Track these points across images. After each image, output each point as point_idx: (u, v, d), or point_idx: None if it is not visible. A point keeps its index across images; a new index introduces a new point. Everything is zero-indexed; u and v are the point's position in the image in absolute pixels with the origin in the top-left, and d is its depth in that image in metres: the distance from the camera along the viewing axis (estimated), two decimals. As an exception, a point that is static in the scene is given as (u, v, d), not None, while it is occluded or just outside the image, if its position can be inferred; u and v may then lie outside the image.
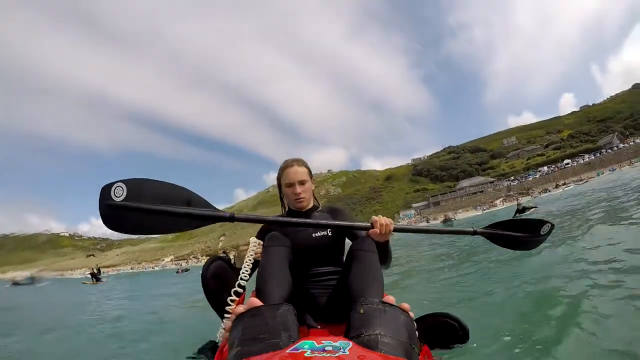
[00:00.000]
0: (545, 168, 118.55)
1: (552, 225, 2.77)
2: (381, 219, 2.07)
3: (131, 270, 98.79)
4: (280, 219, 2.28)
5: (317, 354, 1.13)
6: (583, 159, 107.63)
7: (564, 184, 77.21)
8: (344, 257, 2.27)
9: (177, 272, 33.37)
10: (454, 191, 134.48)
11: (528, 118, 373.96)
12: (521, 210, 18.83)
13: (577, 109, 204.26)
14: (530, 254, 4.91)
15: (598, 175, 75.17)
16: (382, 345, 1.27)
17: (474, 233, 2.54)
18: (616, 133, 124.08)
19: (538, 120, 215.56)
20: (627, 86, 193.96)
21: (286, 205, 2.67)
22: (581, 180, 77.48)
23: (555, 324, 2.54)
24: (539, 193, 79.24)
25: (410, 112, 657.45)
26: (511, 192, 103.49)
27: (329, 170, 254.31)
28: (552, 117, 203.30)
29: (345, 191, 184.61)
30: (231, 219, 2.02)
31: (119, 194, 1.88)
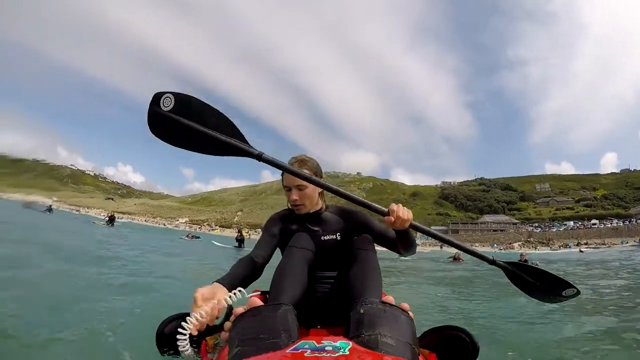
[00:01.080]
0: (572, 223, 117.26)
1: (578, 292, 2.35)
2: (399, 210, 1.85)
3: (145, 223, 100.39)
4: (308, 176, 2.02)
5: (317, 354, 1.12)
6: (611, 223, 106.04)
7: (585, 244, 76.95)
8: None
9: (187, 236, 32.06)
10: (475, 223, 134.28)
11: (565, 168, 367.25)
12: (524, 262, 19.35)
13: (617, 171, 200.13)
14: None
15: (622, 243, 73.50)
16: (382, 346, 1.26)
17: (492, 262, 2.28)
18: None
19: (575, 173, 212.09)
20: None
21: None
22: (604, 244, 77.24)
23: (561, 346, 2.92)
24: (559, 247, 78.90)
25: (449, 134, 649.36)
26: (531, 239, 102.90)
27: (358, 173, 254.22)
28: (591, 173, 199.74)
29: (370, 197, 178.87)
30: (258, 157, 1.97)
31: (167, 104, 1.95)
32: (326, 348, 1.17)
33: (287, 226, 2.29)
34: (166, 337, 1.72)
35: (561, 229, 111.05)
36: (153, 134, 2.01)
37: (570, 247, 72.59)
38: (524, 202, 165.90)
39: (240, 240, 23.81)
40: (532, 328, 3.75)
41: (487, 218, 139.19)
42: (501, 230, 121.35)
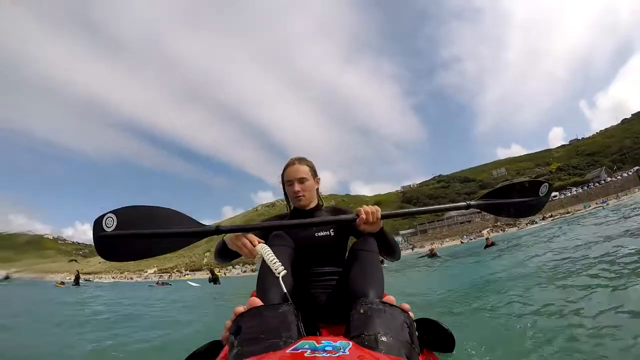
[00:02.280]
0: None
1: (550, 185, 2.49)
2: (366, 207, 2.04)
3: (112, 279, 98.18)
4: (266, 224, 2.20)
5: (317, 354, 1.11)
6: (571, 192, 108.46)
7: (550, 216, 77.01)
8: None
9: (157, 283, 32.03)
10: (441, 219, 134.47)
11: (517, 150, 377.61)
12: (490, 245, 18.55)
13: (565, 142, 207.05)
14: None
15: (585, 207, 75.48)
16: (382, 345, 1.26)
17: (468, 207, 2.34)
18: (604, 167, 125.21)
19: (527, 152, 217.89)
20: (615, 122, 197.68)
21: (291, 204, 2.58)
22: (568, 212, 77.92)
23: (542, 336, 2.84)
24: (526, 224, 79.11)
25: (400, 139, 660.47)
26: (498, 223, 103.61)
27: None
28: (542, 150, 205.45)
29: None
30: (217, 231, 2.01)
31: (110, 224, 1.95)
32: (326, 348, 1.17)
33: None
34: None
35: None
36: (106, 259, 2.06)
37: (536, 223, 73.05)
38: (484, 189, 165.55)
39: (214, 280, 23.96)
40: (501, 316, 3.83)
41: (452, 212, 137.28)
42: (468, 222, 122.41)
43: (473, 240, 73.03)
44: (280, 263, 1.68)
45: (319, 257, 2.28)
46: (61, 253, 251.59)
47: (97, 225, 1.95)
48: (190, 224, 2.02)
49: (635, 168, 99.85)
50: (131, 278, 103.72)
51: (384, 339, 1.29)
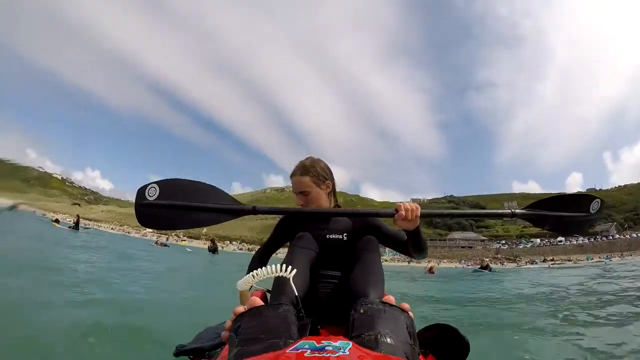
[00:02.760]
0: (538, 240, 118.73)
1: (602, 201, 2.28)
2: (406, 204, 1.98)
3: (111, 231, 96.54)
4: (301, 209, 2.27)
5: (317, 354, 1.10)
6: (577, 240, 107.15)
7: (552, 260, 76.72)
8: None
9: (156, 243, 32.02)
10: (444, 239, 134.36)
11: (532, 187, 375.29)
12: (485, 267, 18.87)
13: (582, 189, 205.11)
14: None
15: (587, 259, 74.97)
16: (382, 345, 1.25)
17: (513, 215, 2.20)
18: (615, 223, 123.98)
19: (542, 192, 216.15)
20: (635, 180, 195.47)
21: None
22: (570, 260, 77.48)
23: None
24: (526, 263, 79.06)
25: (418, 152, 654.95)
26: (499, 255, 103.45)
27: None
28: (558, 192, 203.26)
29: None
30: (254, 211, 2.07)
31: (152, 193, 2.04)
32: (326, 348, 1.16)
33: (294, 225, 2.36)
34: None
35: (528, 246, 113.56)
36: (145, 226, 2.14)
37: (536, 263, 73.16)
38: (492, 219, 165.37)
39: (213, 249, 24.41)
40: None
41: (456, 235, 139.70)
42: (469, 247, 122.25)
43: (471, 266, 72.99)
44: (285, 265, 1.60)
45: (327, 259, 2.22)
46: (66, 195, 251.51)
47: (140, 194, 2.07)
48: (229, 201, 2.13)
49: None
50: (128, 232, 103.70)
51: (384, 339, 1.28)
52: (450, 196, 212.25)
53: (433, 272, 21.49)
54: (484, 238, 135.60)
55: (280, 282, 1.68)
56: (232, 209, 2.07)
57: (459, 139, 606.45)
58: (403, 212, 1.93)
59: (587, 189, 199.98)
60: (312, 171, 2.39)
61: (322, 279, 2.17)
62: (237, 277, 1.64)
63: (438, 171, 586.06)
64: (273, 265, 1.54)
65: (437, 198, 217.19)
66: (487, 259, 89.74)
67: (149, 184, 2.06)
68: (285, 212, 2.25)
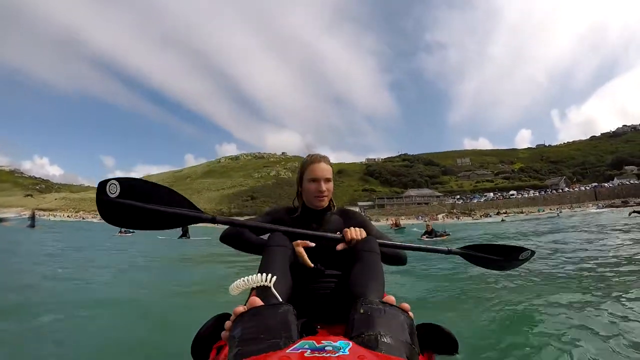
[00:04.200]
0: (491, 194, 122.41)
1: (533, 252, 2.84)
2: (351, 229, 2.16)
3: (67, 219, 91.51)
4: (263, 225, 2.25)
5: (317, 354, 1.11)
6: (528, 194, 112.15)
7: (505, 213, 78.77)
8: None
9: (120, 232, 26.80)
10: (400, 197, 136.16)
11: (483, 144, 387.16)
12: (429, 232, 17.39)
13: (531, 145, 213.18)
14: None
15: (539, 211, 77.91)
16: (382, 345, 1.26)
17: (448, 252, 2.58)
18: (564, 177, 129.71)
19: (493, 148, 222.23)
20: (584, 137, 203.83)
21: (301, 199, 2.53)
22: (522, 212, 79.77)
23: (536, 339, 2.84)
24: (480, 216, 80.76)
25: (371, 113, 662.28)
26: (454, 210, 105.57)
27: (283, 153, 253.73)
28: (508, 148, 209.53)
29: (296, 176, 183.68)
30: (213, 220, 2.14)
31: (113, 190, 2.04)
32: (326, 348, 1.17)
33: (288, 220, 2.42)
34: (207, 337, 1.70)
35: (482, 200, 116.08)
36: (106, 221, 2.14)
37: (490, 216, 75.15)
38: (446, 176, 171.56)
39: (185, 231, 22.52)
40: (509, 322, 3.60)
41: (412, 192, 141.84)
42: (425, 203, 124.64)
43: (427, 221, 74.09)
44: (265, 274, 1.61)
45: (324, 259, 2.23)
46: (18, 187, 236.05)
47: (101, 189, 2.05)
48: (188, 206, 2.13)
49: (594, 184, 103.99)
50: (83, 218, 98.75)
51: (384, 339, 1.29)
52: (405, 154, 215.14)
53: (399, 225, 20.04)
54: (439, 194, 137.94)
55: (262, 290, 1.65)
56: (192, 216, 2.13)
57: (411, 100, 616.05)
58: (349, 236, 2.12)
59: (537, 145, 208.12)
60: (330, 164, 2.47)
61: (319, 278, 2.17)
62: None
63: (391, 131, 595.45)
64: (252, 276, 1.56)
65: (392, 157, 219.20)
66: (442, 214, 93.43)
67: (110, 180, 2.06)
68: (247, 226, 2.26)
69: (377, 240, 2.14)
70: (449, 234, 18.41)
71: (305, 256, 2.14)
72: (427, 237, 16.96)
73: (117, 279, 6.56)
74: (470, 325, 3.31)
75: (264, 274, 1.56)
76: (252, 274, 1.60)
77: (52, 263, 8.32)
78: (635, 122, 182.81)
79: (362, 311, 1.42)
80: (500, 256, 2.74)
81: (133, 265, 8.78)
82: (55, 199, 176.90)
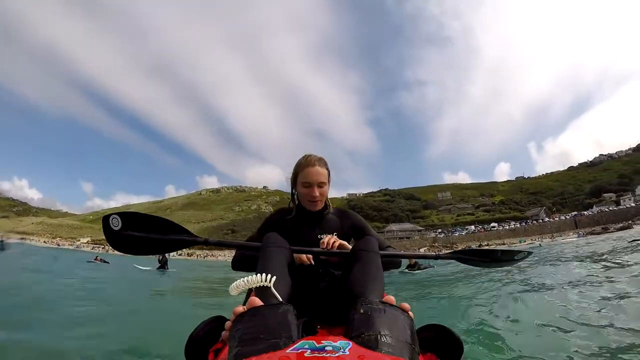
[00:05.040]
0: (473, 227, 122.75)
1: (529, 253, 2.91)
2: (326, 237, 2.23)
3: (43, 244, 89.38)
4: (250, 244, 2.26)
5: (317, 354, 1.12)
6: (509, 225, 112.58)
7: (487, 245, 77.45)
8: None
9: (95, 259, 27.95)
10: (382, 232, 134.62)
11: (463, 178, 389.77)
12: (412, 265, 15.87)
13: (511, 178, 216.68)
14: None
15: (520, 242, 77.60)
16: (382, 345, 1.26)
17: (437, 257, 2.64)
18: (544, 207, 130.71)
19: (473, 182, 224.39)
20: (559, 167, 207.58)
21: (296, 200, 2.60)
22: (504, 244, 79.08)
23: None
24: (463, 248, 79.69)
25: (352, 149, 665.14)
26: (436, 244, 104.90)
27: (264, 187, 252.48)
28: (488, 181, 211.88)
29: (290, 177, 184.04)
30: (205, 242, 2.36)
31: (116, 223, 2.27)
32: (326, 348, 1.17)
33: (285, 224, 2.47)
34: (200, 339, 1.67)
35: (463, 233, 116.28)
36: (115, 249, 2.39)
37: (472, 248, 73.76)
38: (427, 210, 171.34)
39: (163, 262, 22.26)
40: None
41: (393, 227, 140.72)
42: (407, 238, 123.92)
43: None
44: (264, 274, 1.61)
45: (322, 259, 2.28)
46: None
47: (105, 222, 2.29)
48: (184, 233, 2.33)
49: (574, 213, 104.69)
50: (58, 245, 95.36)
51: (384, 339, 1.29)
52: (386, 189, 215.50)
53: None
54: (420, 228, 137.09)
55: (262, 291, 1.64)
56: (187, 240, 2.32)
57: (392, 135, 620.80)
58: (324, 244, 2.18)
59: (516, 177, 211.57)
60: (327, 167, 2.50)
61: (317, 277, 2.22)
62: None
63: (372, 166, 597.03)
64: (252, 277, 1.57)
65: (373, 192, 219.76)
66: (424, 248, 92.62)
67: (112, 215, 2.29)
68: (235, 245, 2.50)
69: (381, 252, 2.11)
70: (432, 266, 17.18)
71: (304, 257, 2.22)
72: (409, 270, 15.55)
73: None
74: (474, 332, 3.47)
75: (264, 274, 1.56)
76: (252, 275, 1.61)
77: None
78: (611, 151, 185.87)
79: (362, 311, 1.42)
80: (490, 258, 2.73)
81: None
82: (32, 223, 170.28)
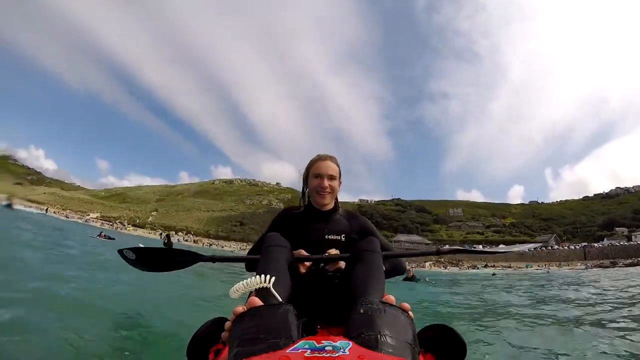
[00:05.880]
0: (480, 246, 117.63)
1: (530, 250, 2.89)
2: (330, 251, 2.31)
3: (54, 215, 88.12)
4: (252, 257, 2.35)
5: (317, 354, 1.12)
6: (518, 249, 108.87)
7: (493, 266, 77.32)
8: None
9: (99, 235, 28.66)
10: (389, 241, 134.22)
11: (475, 196, 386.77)
12: (410, 278, 16.43)
13: (524, 202, 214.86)
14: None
15: (527, 267, 76.69)
16: (382, 345, 1.26)
17: (438, 253, 2.58)
18: (555, 234, 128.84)
19: (484, 201, 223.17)
20: (573, 196, 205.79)
21: (306, 199, 2.67)
22: (510, 267, 78.74)
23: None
24: (468, 267, 79.76)
25: (368, 156, 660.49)
26: (442, 259, 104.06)
27: (277, 183, 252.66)
28: (501, 202, 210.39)
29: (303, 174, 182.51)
30: (211, 259, 2.52)
31: (131, 255, 2.71)
32: (326, 348, 1.18)
33: (293, 221, 2.53)
34: (202, 340, 1.69)
35: None
36: (140, 269, 2.83)
37: (478, 268, 74.23)
38: (437, 224, 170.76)
39: (168, 246, 20.63)
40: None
41: (401, 237, 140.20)
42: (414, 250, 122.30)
43: (414, 268, 73.24)
44: (264, 276, 1.61)
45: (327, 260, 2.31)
46: (10, 173, 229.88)
47: (121, 254, 2.77)
48: (190, 254, 2.62)
49: (584, 244, 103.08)
50: (67, 217, 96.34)
51: (384, 339, 1.29)
52: (398, 199, 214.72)
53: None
54: (428, 242, 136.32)
55: (262, 291, 1.63)
56: (193, 259, 2.59)
57: (409, 146, 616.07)
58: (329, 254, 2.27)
59: (530, 201, 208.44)
60: (338, 164, 2.60)
61: (320, 277, 2.24)
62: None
63: (386, 175, 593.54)
64: (251, 279, 1.56)
65: (385, 200, 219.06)
66: (429, 263, 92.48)
67: (125, 250, 2.74)
68: (238, 260, 2.62)
69: (383, 253, 2.14)
70: (432, 282, 17.70)
71: (303, 251, 2.26)
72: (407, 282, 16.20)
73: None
74: (479, 335, 3.61)
75: (263, 276, 1.56)
76: (252, 276, 1.61)
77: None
78: (628, 185, 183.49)
79: (362, 311, 1.42)
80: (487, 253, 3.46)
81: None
82: (44, 193, 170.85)
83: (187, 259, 2.57)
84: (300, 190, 2.68)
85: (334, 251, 2.31)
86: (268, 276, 1.56)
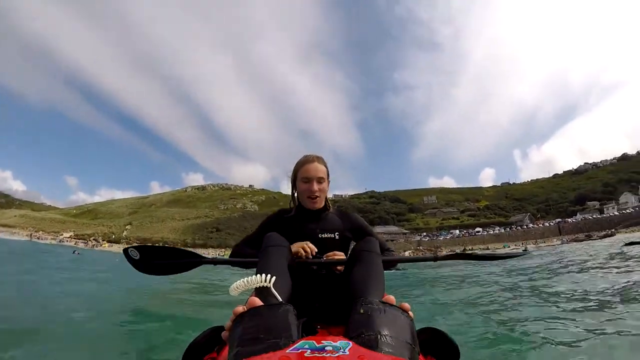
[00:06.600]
0: (457, 231, 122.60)
1: (526, 250, 3.36)
2: (302, 245, 2.27)
3: (26, 238, 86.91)
4: (251, 260, 2.34)
5: (317, 354, 1.12)
6: (494, 230, 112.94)
7: (471, 249, 77.33)
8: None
9: (74, 252, 32.26)
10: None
11: (448, 182, 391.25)
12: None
13: (496, 184, 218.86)
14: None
15: (504, 247, 77.63)
16: (382, 345, 1.26)
17: (435, 259, 2.65)
18: (529, 213, 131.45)
19: (457, 186, 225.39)
20: (543, 175, 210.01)
21: (296, 201, 2.67)
22: (487, 249, 79.10)
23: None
24: (446, 253, 79.85)
25: (338, 150, 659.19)
26: (420, 247, 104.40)
27: (250, 186, 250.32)
28: (474, 186, 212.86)
29: (262, 209, 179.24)
30: (212, 261, 2.71)
31: (134, 255, 2.74)
32: (326, 348, 1.18)
33: (285, 223, 2.52)
34: (199, 347, 1.67)
35: (448, 237, 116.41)
36: (143, 273, 2.83)
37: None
38: (412, 213, 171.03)
39: None
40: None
41: (378, 229, 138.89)
42: (392, 240, 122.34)
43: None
44: (264, 275, 1.60)
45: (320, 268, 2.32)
46: None
47: (126, 254, 2.79)
48: (194, 255, 2.70)
49: (557, 220, 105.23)
50: (38, 238, 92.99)
51: (384, 339, 1.29)
52: (372, 191, 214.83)
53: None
54: (405, 231, 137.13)
55: (262, 291, 1.64)
56: (195, 261, 2.65)
57: (378, 137, 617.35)
58: (301, 252, 2.24)
59: (501, 183, 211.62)
60: (325, 162, 2.59)
61: (317, 277, 2.25)
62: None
63: (358, 168, 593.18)
64: (252, 277, 1.56)
65: (359, 194, 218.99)
66: (408, 252, 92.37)
67: (129, 249, 2.78)
68: (237, 263, 2.55)
69: (383, 259, 2.14)
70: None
71: (301, 249, 2.25)
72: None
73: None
74: (472, 335, 3.42)
75: (264, 275, 1.55)
76: (252, 275, 1.59)
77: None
78: (596, 160, 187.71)
79: (362, 311, 1.42)
80: (487, 259, 3.13)
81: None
82: (15, 216, 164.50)
83: (189, 261, 2.61)
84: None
85: (332, 254, 2.30)
86: (269, 275, 1.55)
